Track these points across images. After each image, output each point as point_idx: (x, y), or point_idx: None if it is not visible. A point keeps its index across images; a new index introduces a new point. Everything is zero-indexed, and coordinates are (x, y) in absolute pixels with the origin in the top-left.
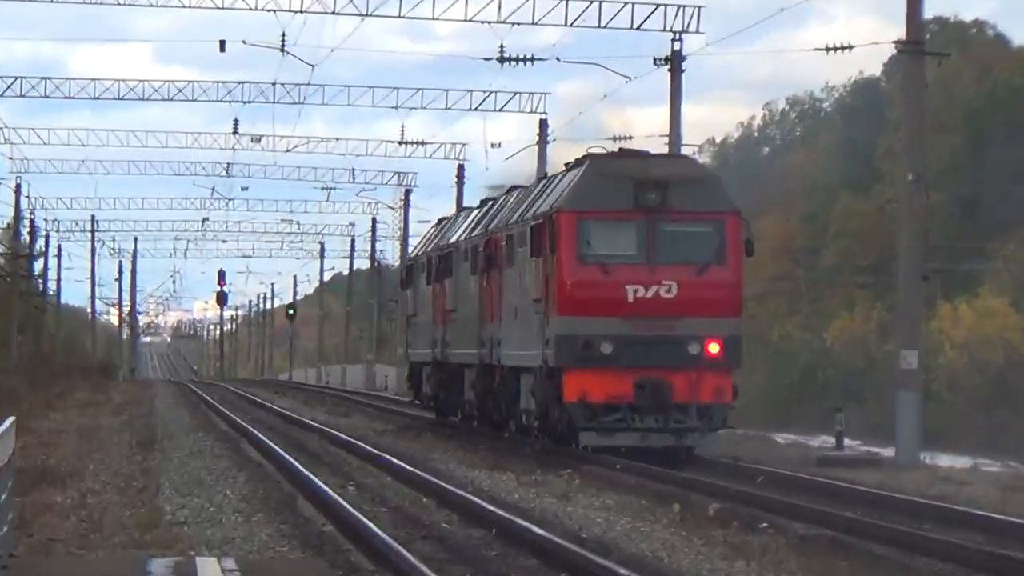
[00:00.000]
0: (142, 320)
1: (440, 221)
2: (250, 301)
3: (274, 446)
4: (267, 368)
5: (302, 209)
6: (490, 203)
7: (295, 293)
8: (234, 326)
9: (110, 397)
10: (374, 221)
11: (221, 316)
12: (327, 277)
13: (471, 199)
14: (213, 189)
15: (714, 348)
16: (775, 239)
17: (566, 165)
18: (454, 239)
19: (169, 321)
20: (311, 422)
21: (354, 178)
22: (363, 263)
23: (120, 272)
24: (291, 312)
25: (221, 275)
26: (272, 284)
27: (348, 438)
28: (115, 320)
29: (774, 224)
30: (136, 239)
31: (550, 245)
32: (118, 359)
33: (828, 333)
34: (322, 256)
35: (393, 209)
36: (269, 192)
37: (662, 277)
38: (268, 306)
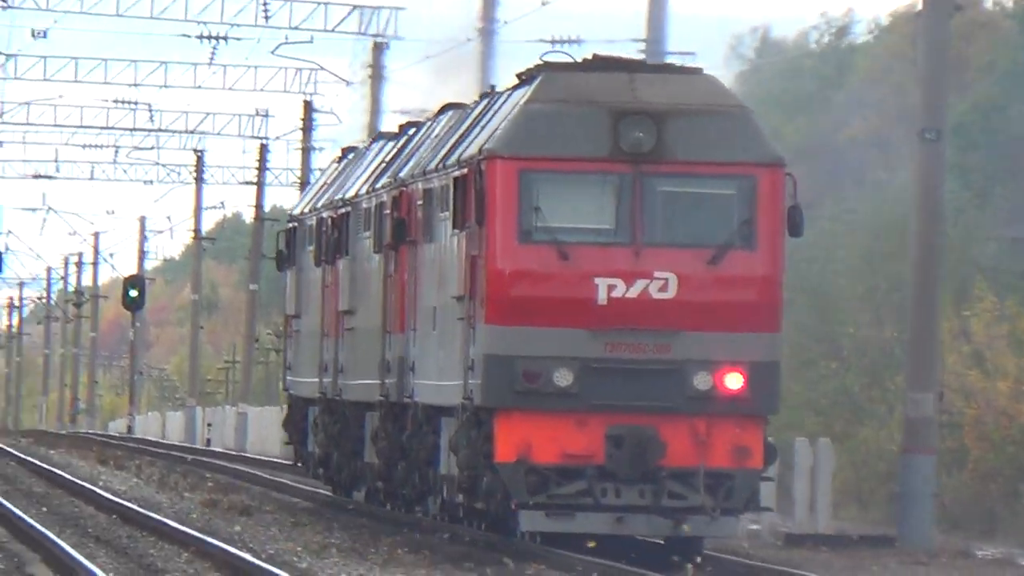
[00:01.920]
0: None
1: (346, 153)
2: (49, 271)
3: (101, 573)
4: (85, 408)
5: (157, 79)
6: (408, 132)
7: (142, 256)
8: (16, 321)
9: None
10: (308, 107)
11: None
12: (209, 224)
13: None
14: None
15: (735, 382)
16: None
17: (518, 76)
18: (352, 191)
19: None
20: (175, 526)
21: (267, 16)
22: (286, 195)
23: None
24: (133, 295)
25: None
26: (96, 235)
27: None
28: None
29: None
30: None
31: (477, 211)
32: None
33: None
34: (199, 177)
35: (349, 85)
36: (87, 44)
37: (653, 267)
38: (88, 282)
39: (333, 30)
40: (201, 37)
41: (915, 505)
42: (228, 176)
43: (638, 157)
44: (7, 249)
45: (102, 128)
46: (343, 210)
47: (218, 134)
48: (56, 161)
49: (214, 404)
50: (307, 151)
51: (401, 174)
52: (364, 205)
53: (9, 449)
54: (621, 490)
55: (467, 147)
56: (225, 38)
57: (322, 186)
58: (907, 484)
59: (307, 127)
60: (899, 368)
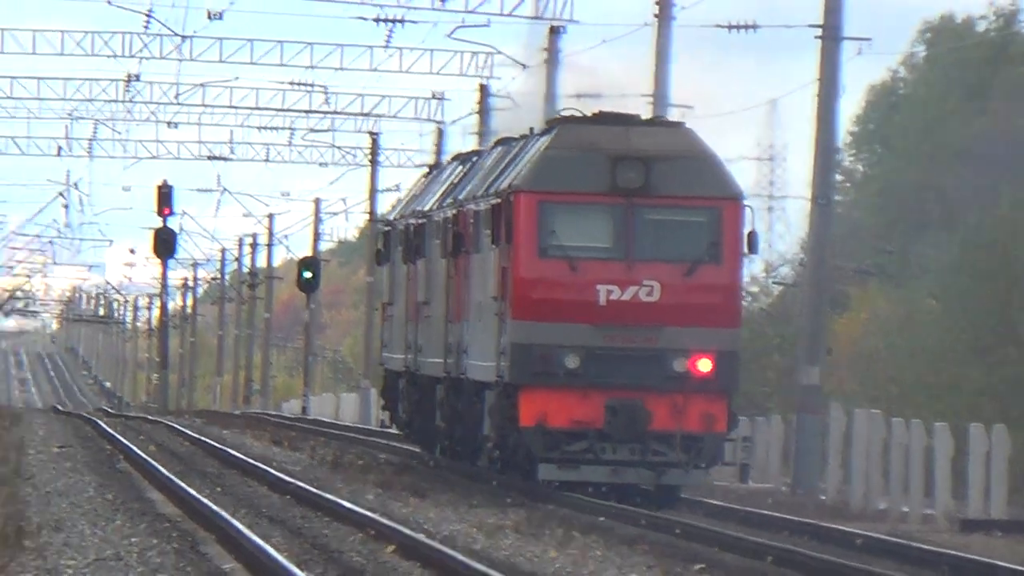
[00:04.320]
0: None
1: (431, 170)
2: (223, 252)
3: (275, 553)
4: (258, 388)
5: (333, 61)
6: (473, 159)
7: (317, 237)
8: (190, 302)
9: None
10: (484, 91)
11: (164, 282)
12: (384, 206)
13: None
14: (149, 15)
15: (704, 366)
16: None
17: (547, 123)
18: (428, 205)
19: (56, 289)
20: (349, 507)
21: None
22: None
23: None
24: (308, 276)
25: (165, 195)
26: (271, 216)
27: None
28: None
29: None
30: None
31: (507, 232)
32: None
33: None
34: (374, 160)
35: (525, 69)
36: (263, 26)
37: (642, 276)
38: (262, 263)
39: (510, 14)
40: (378, 20)
41: None
42: (404, 159)
43: (631, 192)
44: (182, 230)
45: (277, 110)
46: (422, 220)
47: (394, 117)
48: (231, 143)
49: None
50: (483, 135)
51: (460, 196)
52: (436, 217)
53: (183, 429)
54: (616, 448)
55: (503, 181)
56: (402, 21)
57: (411, 197)
58: None
59: (483, 111)
60: None
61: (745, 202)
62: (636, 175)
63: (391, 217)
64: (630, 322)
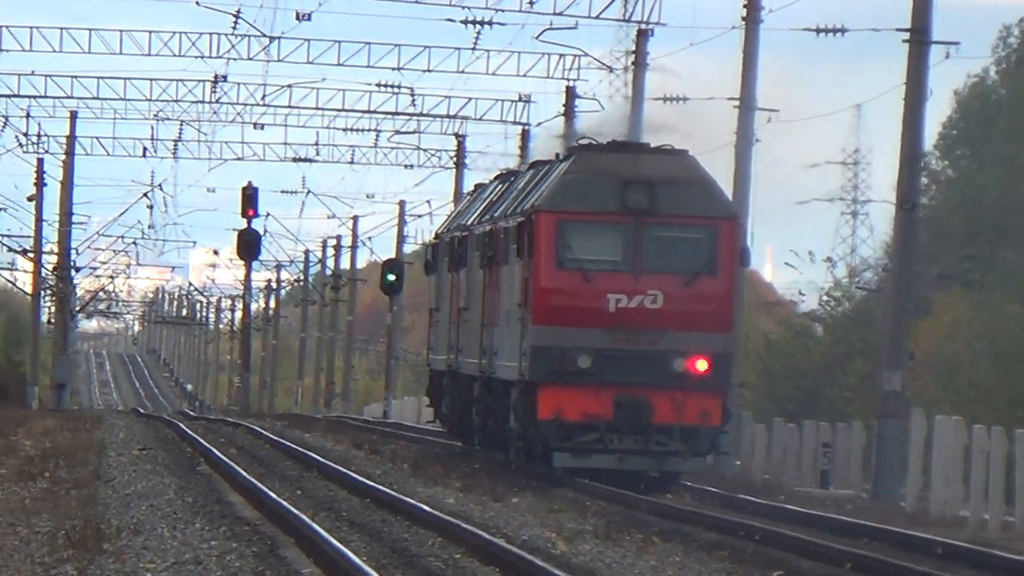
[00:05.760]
0: (82, 286)
1: (476, 188)
2: (307, 254)
3: (354, 557)
4: (340, 392)
5: (420, 63)
6: (511, 179)
7: (401, 240)
8: (273, 304)
9: (11, 446)
10: (570, 93)
11: (247, 283)
12: None
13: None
14: (237, 16)
15: (701, 366)
16: None
17: (568, 150)
18: (470, 220)
19: (139, 289)
20: (429, 511)
21: (532, 2)
22: None
23: (39, 182)
24: (391, 279)
25: (249, 197)
26: (355, 219)
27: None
28: (24, 285)
29: None
30: (75, 115)
31: (528, 247)
32: (29, 365)
33: None
34: (459, 162)
35: (612, 72)
36: (351, 27)
37: (647, 286)
38: (345, 265)
39: (598, 16)
40: (465, 22)
41: None
42: (489, 162)
43: (638, 212)
44: (266, 232)
45: (363, 112)
46: (464, 234)
47: (479, 119)
48: (316, 144)
49: None
50: (568, 138)
51: (495, 214)
52: (476, 232)
53: (264, 432)
54: (623, 439)
55: (528, 201)
56: (490, 23)
57: (458, 212)
58: None
59: (569, 113)
60: None
61: (739, 221)
62: (644, 197)
63: (439, 230)
64: (636, 327)
